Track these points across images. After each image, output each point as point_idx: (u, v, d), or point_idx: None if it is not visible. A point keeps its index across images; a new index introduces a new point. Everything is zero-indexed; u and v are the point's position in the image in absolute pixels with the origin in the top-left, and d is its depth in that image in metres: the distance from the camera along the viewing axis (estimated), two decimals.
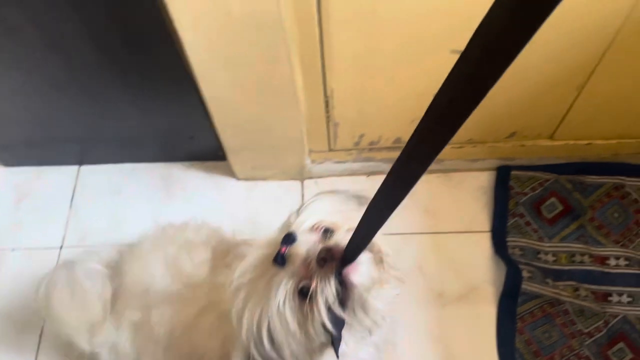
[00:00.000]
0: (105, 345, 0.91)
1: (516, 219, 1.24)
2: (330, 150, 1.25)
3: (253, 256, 0.68)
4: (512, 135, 1.21)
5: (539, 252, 1.19)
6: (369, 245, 0.61)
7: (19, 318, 1.21)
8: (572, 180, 1.25)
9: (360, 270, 0.64)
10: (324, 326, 0.64)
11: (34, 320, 1.20)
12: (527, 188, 1.26)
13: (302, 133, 1.16)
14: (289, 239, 0.65)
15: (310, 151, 1.25)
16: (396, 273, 0.70)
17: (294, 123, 1.12)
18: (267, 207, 1.33)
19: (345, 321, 0.65)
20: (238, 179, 1.36)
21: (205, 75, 0.98)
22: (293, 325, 0.65)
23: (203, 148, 1.34)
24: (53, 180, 1.37)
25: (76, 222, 1.32)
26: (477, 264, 1.22)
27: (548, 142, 1.23)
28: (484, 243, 1.24)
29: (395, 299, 0.71)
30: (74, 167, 1.39)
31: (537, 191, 1.25)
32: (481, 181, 1.32)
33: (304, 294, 0.64)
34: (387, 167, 1.29)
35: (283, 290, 0.64)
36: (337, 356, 0.67)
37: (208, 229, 1.04)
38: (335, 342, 0.65)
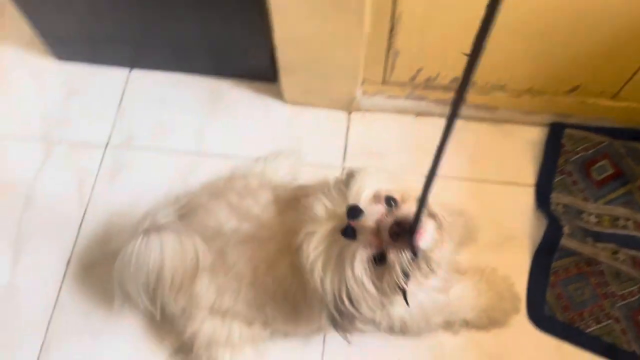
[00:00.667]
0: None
1: (564, 176, 1.21)
2: (384, 82, 1.22)
3: (321, 232, 0.74)
4: (575, 89, 1.17)
5: (582, 212, 1.17)
6: (428, 212, 0.71)
7: (58, 210, 1.24)
8: (626, 146, 1.22)
9: (427, 237, 0.71)
10: (397, 284, 0.73)
11: (73, 214, 1.24)
12: (579, 147, 1.23)
13: (359, 59, 1.13)
14: (355, 212, 0.71)
15: (364, 81, 1.23)
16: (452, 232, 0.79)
17: (355, 45, 1.09)
18: (310, 135, 1.32)
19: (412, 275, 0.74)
20: (285, 102, 1.35)
21: None
22: (370, 287, 0.74)
23: (255, 66, 1.32)
24: (104, 80, 1.38)
25: (122, 124, 1.33)
26: (516, 216, 1.20)
27: (609, 102, 1.19)
28: (526, 197, 1.22)
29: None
30: (125, 70, 1.39)
31: (589, 152, 1.22)
32: (532, 135, 1.29)
33: (378, 260, 0.72)
34: (438, 109, 1.28)
35: (359, 261, 0.72)
36: (408, 305, 0.80)
37: (257, 177, 1.09)
38: (405, 294, 0.77)
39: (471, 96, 1.23)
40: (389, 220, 0.70)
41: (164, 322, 1.05)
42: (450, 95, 1.24)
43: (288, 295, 0.90)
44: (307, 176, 1.24)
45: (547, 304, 1.11)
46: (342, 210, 0.73)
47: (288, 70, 1.21)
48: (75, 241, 1.21)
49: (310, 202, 0.78)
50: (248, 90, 1.37)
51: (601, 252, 1.12)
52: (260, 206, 0.96)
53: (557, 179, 1.21)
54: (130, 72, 1.39)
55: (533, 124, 1.29)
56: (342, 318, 0.79)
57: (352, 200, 0.73)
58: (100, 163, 1.29)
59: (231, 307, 0.94)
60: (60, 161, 1.29)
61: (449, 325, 1.07)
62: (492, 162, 1.26)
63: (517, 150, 1.28)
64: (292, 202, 0.95)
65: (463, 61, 1.24)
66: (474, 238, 1.17)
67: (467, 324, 1.07)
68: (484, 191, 1.23)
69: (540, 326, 1.09)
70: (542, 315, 1.10)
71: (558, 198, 1.19)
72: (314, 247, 0.74)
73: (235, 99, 1.36)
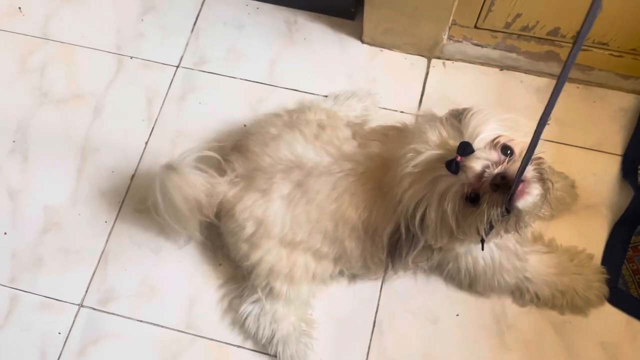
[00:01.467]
0: (250, 220, 0.92)
1: None
2: (476, 27, 1.15)
3: (427, 154, 0.73)
4: None
5: None
6: (540, 175, 0.72)
7: (126, 125, 1.23)
8: None
9: (528, 200, 0.70)
10: (478, 230, 0.74)
11: (140, 130, 1.23)
12: None
13: None
14: (466, 149, 0.70)
15: (454, 23, 1.16)
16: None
17: None
18: (386, 78, 1.26)
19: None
20: (363, 42, 1.29)
21: None
22: (450, 221, 0.74)
23: (334, 1, 1.26)
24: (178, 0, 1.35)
25: (196, 46, 1.31)
26: (599, 184, 1.13)
27: None
28: (611, 165, 1.15)
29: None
30: None
31: None
32: (626, 103, 1.20)
33: (469, 200, 0.72)
34: (526, 64, 1.20)
35: (451, 195, 0.72)
36: (482, 249, 0.83)
37: (326, 112, 1.06)
38: (483, 242, 0.78)
39: (567, 53, 1.14)
40: (497, 170, 0.69)
41: (223, 247, 1.04)
42: (544, 48, 1.15)
43: (369, 229, 0.87)
44: (378, 121, 1.20)
45: (622, 277, 1.05)
46: (454, 143, 0.72)
47: (374, 5, 1.15)
48: (141, 157, 1.20)
49: (423, 127, 0.76)
50: (326, 25, 1.32)
51: None
52: (340, 139, 0.94)
53: None
54: None
55: (629, 90, 1.20)
56: (404, 241, 0.80)
57: (467, 138, 0.72)
58: (171, 83, 1.27)
59: (305, 239, 0.92)
60: (131, 76, 1.28)
61: (519, 293, 1.02)
62: (579, 125, 1.19)
63: (607, 116, 1.19)
64: (377, 136, 0.92)
65: (568, 10, 1.15)
66: (572, 205, 1.10)
67: (538, 299, 1.02)
68: (567, 155, 1.16)
69: (612, 300, 1.04)
70: (615, 288, 1.04)
71: None
72: (414, 164, 0.73)
73: (312, 33, 1.31)
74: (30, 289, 1.10)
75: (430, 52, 1.25)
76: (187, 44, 1.31)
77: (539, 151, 0.70)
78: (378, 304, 1.07)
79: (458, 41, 1.20)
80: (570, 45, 1.12)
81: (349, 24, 1.31)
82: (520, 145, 0.73)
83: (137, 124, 1.23)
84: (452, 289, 1.07)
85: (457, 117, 0.78)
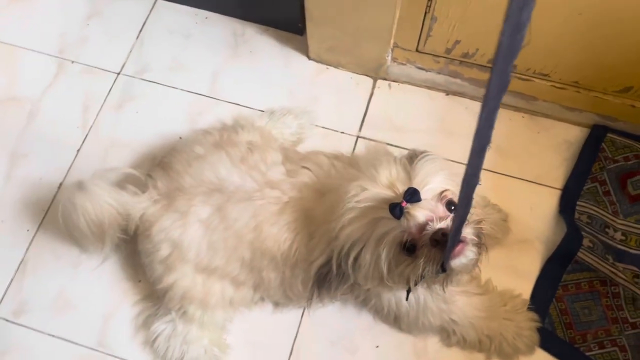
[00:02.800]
0: (165, 242, 0.89)
1: (595, 184, 1.10)
2: (418, 50, 1.12)
3: (373, 192, 0.71)
4: (626, 90, 1.04)
5: (608, 227, 1.06)
6: (476, 232, 0.71)
7: (60, 130, 1.20)
8: None
9: (463, 260, 0.69)
10: (408, 280, 0.72)
11: (73, 137, 1.20)
12: (619, 156, 1.11)
13: (393, 19, 1.04)
14: (413, 196, 0.67)
15: (395, 46, 1.13)
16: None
17: (390, 3, 0.99)
18: (329, 96, 1.24)
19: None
20: (309, 58, 1.26)
21: None
22: (382, 266, 0.71)
23: (284, 14, 1.24)
24: (128, 5, 1.32)
25: (139, 53, 1.28)
26: (534, 217, 1.10)
27: None
28: (549, 199, 1.12)
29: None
30: None
31: (629, 162, 1.10)
32: (570, 135, 1.17)
33: (405, 248, 0.69)
34: (472, 90, 1.17)
35: (389, 241, 0.69)
36: (407, 300, 0.84)
37: (259, 131, 1.03)
38: (409, 292, 0.79)
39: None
40: (439, 225, 0.67)
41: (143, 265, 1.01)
42: (487, 76, 1.12)
43: (288, 261, 0.84)
44: (315, 140, 1.17)
45: (549, 316, 1.02)
46: (401, 186, 0.70)
47: (316, 22, 1.13)
48: (71, 166, 1.17)
49: (374, 163, 0.74)
50: (272, 39, 1.29)
51: (620, 274, 1.01)
52: (268, 164, 0.90)
53: (587, 186, 1.10)
54: (155, 1, 1.33)
55: (573, 122, 1.17)
56: (333, 276, 0.77)
57: (415, 184, 0.70)
58: (110, 90, 1.24)
59: (221, 266, 0.89)
60: (70, 81, 1.25)
61: (445, 334, 0.99)
62: (521, 156, 1.16)
63: (550, 147, 1.16)
64: (310, 164, 0.89)
65: None
66: (503, 240, 1.07)
67: (465, 342, 0.98)
68: (506, 186, 1.13)
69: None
70: (541, 328, 1.01)
71: (584, 207, 1.08)
72: (357, 200, 0.71)
73: (259, 46, 1.29)
74: None
75: (376, 72, 1.22)
76: (130, 51, 1.28)
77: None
78: (297, 331, 1.03)
79: (402, 64, 1.18)
80: (512, 73, 1.09)
81: (297, 39, 1.28)
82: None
83: (71, 131, 1.20)
84: (377, 320, 1.04)
85: (412, 159, 0.75)
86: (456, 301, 0.94)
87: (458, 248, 0.68)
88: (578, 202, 1.09)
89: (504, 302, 1.00)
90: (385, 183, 0.72)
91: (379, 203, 0.70)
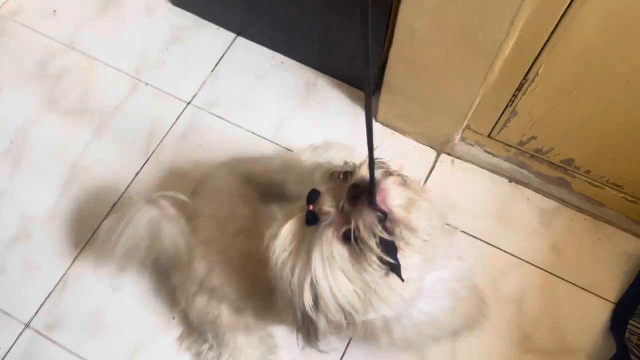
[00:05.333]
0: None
1: None
2: (490, 136, 1.11)
3: (285, 229, 0.64)
4: None
5: None
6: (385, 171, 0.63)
7: (123, 148, 1.23)
8: None
9: (391, 194, 0.62)
10: (380, 259, 0.61)
11: (134, 158, 1.22)
12: None
13: (471, 104, 1.02)
14: (312, 195, 0.62)
15: (467, 127, 1.12)
16: (422, 190, 0.67)
17: (471, 89, 0.98)
18: (391, 161, 1.22)
19: (397, 245, 0.62)
20: (376, 120, 1.26)
21: None
22: (346, 272, 0.63)
23: (359, 73, 1.24)
24: (208, 37, 1.34)
25: (211, 86, 1.30)
26: (582, 328, 1.06)
27: None
28: (601, 312, 1.08)
29: (437, 215, 0.68)
30: (231, 35, 1.35)
31: None
32: (632, 247, 1.13)
33: (347, 238, 0.61)
34: (537, 183, 1.15)
35: (326, 243, 0.61)
36: (402, 280, 0.63)
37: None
38: (395, 268, 0.63)
39: (579, 184, 1.09)
40: (344, 187, 0.61)
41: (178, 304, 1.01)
42: (556, 174, 1.10)
43: (272, 290, 0.80)
44: None
45: None
46: (301, 202, 0.64)
47: (391, 89, 1.12)
48: (127, 187, 1.19)
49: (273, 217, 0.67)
50: (343, 94, 1.29)
51: None
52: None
53: None
54: (235, 38, 1.35)
55: (637, 234, 1.13)
56: (311, 325, 0.68)
57: (310, 181, 0.67)
58: (177, 118, 1.26)
59: (219, 287, 0.88)
60: (141, 103, 1.28)
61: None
62: (577, 259, 1.12)
63: (609, 257, 1.12)
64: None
65: (585, 144, 1.09)
66: (482, 320, 1.00)
67: (454, 334, 0.94)
68: (557, 288, 1.10)
69: None
70: None
71: (637, 327, 1.04)
72: (280, 249, 0.64)
73: (328, 99, 1.29)
74: None
75: (441, 147, 1.21)
76: (204, 82, 1.30)
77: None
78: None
79: (470, 144, 1.16)
80: (584, 177, 1.07)
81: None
82: (354, 162, 0.65)
83: (133, 153, 1.22)
84: None
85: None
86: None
87: (380, 190, 0.61)
88: (630, 321, 1.04)
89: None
90: (284, 213, 0.66)
91: (298, 232, 0.65)
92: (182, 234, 0.88)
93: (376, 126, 1.25)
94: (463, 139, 1.16)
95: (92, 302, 1.08)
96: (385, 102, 1.18)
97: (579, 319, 1.07)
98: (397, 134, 1.25)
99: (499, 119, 1.04)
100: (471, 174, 1.21)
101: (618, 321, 1.05)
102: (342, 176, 0.63)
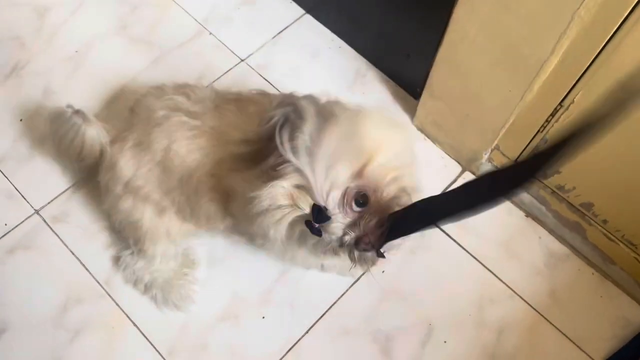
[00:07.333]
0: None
1: None
2: (516, 161, 1.09)
3: (286, 219, 0.69)
4: None
5: None
6: None
7: (179, 74, 1.28)
8: None
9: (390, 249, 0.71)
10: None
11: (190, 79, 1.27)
12: None
13: (504, 122, 1.02)
14: (321, 216, 0.66)
15: (496, 148, 1.11)
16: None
17: (506, 105, 0.98)
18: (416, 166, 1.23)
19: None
20: (412, 122, 1.27)
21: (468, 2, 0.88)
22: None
23: (409, 73, 1.26)
24: (279, 7, 1.40)
25: (267, 52, 1.35)
26: None
27: None
28: None
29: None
30: (301, 10, 1.40)
31: None
32: (632, 314, 1.08)
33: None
34: (552, 223, 1.12)
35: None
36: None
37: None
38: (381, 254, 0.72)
39: (594, 233, 1.06)
40: (354, 234, 0.68)
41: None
42: (573, 217, 1.07)
43: (199, 188, 0.85)
44: None
45: None
46: (306, 201, 0.66)
47: (432, 94, 1.14)
48: None
49: (266, 188, 0.67)
50: (388, 91, 1.32)
51: None
52: (196, 98, 0.91)
53: None
54: (304, 14, 1.40)
55: None
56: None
57: (318, 198, 0.65)
58: (227, 71, 1.32)
59: (142, 187, 0.91)
60: (200, 49, 1.34)
61: None
62: (572, 310, 1.09)
63: (607, 317, 1.08)
64: (232, 103, 0.89)
65: (606, 190, 1.06)
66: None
67: None
68: (542, 331, 1.06)
69: None
70: None
71: None
72: (280, 231, 0.70)
73: (372, 91, 1.32)
74: None
75: (467, 163, 1.20)
76: (261, 46, 1.36)
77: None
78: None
79: (496, 166, 1.15)
80: (600, 226, 1.04)
81: (410, 101, 1.29)
82: (371, 182, 0.68)
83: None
84: None
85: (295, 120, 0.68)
86: None
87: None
88: None
89: None
90: (288, 203, 0.67)
91: (297, 220, 0.70)
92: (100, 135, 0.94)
93: (410, 128, 1.27)
94: (490, 160, 1.15)
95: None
96: (424, 105, 1.19)
97: None
98: (428, 141, 1.26)
99: (528, 144, 1.03)
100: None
101: None
102: (355, 202, 0.67)
